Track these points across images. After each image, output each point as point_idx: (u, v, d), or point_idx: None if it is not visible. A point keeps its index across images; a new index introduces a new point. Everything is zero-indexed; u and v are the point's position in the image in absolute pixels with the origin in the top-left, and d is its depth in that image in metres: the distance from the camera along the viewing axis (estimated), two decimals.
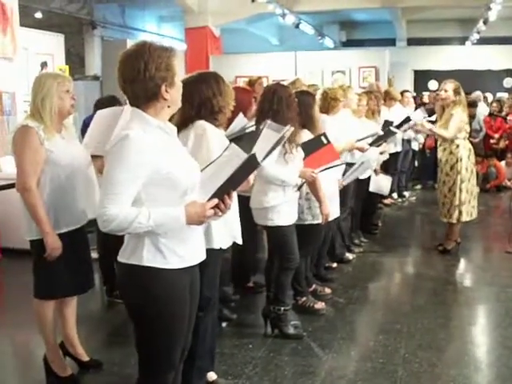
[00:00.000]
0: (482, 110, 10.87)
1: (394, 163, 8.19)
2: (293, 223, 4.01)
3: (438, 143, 6.18)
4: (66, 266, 3.25)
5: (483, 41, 15.30)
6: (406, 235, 7.27)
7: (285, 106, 3.85)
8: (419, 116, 7.04)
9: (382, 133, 6.04)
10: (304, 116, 4.16)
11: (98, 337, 4.29)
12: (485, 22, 13.20)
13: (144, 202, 2.19)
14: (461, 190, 5.91)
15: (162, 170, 2.18)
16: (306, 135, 4.19)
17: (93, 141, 3.54)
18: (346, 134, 5.43)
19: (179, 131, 2.66)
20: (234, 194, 2.42)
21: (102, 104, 4.72)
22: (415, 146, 9.54)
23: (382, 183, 6.38)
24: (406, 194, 9.47)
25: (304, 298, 4.55)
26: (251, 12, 12.89)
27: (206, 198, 2.26)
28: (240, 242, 3.31)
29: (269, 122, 3.29)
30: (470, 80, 11.14)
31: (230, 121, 3.49)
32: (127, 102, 2.32)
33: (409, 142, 9.04)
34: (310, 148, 4.07)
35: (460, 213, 5.95)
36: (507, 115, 10.84)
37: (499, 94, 14.11)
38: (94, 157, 3.49)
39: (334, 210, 4.67)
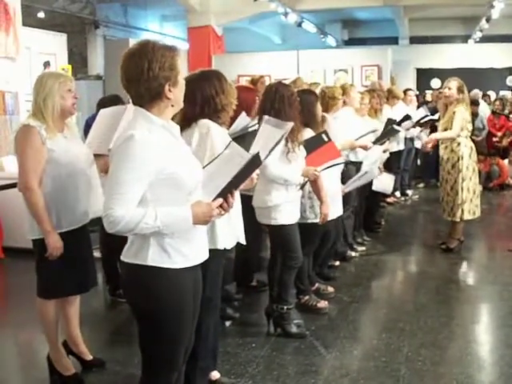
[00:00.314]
0: (483, 108, 10.84)
1: (396, 162, 8.18)
2: (295, 222, 4.01)
3: (440, 141, 6.17)
4: (69, 265, 3.25)
5: (486, 39, 15.27)
6: (409, 234, 7.27)
7: (287, 104, 3.84)
8: (422, 114, 7.04)
9: (379, 129, 6.03)
10: (306, 115, 4.16)
11: (101, 336, 4.30)
12: (487, 20, 13.17)
13: (149, 202, 2.19)
14: (462, 189, 5.90)
15: (166, 170, 2.18)
16: (308, 134, 4.19)
17: (95, 140, 3.54)
18: (348, 132, 5.44)
19: (182, 130, 2.66)
20: (237, 193, 2.42)
21: (105, 103, 4.72)
22: (418, 144, 9.52)
23: (384, 182, 6.37)
24: (409, 192, 9.47)
25: (307, 297, 4.55)
26: (253, 11, 12.88)
27: (207, 196, 2.26)
28: (243, 242, 3.31)
29: (267, 117, 3.29)
30: (472, 78, 11.11)
31: (233, 119, 3.49)
32: (130, 101, 2.33)
33: (412, 140, 9.03)
34: (311, 146, 4.07)
35: (462, 211, 5.95)
36: (510, 113, 10.82)
37: (502, 92, 14.08)
38: (96, 155, 3.49)
39: (336, 209, 4.67)
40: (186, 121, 3.00)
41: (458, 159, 5.89)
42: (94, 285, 3.56)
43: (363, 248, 6.29)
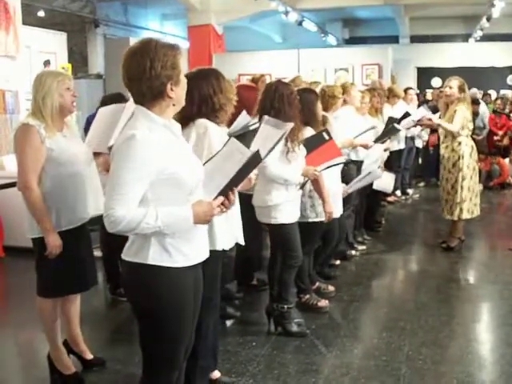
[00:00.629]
0: (482, 108, 10.82)
1: (397, 160, 8.17)
2: (296, 221, 4.01)
3: (441, 140, 6.17)
4: (69, 263, 3.25)
5: (486, 38, 15.25)
6: (410, 232, 7.27)
7: (286, 103, 3.83)
8: (422, 113, 7.03)
9: (378, 127, 6.03)
10: (307, 113, 4.15)
11: (101, 335, 4.30)
12: (488, 19, 13.16)
13: (150, 202, 2.18)
14: (462, 188, 5.90)
15: (167, 170, 2.17)
16: (308, 133, 4.18)
17: (95, 138, 3.53)
18: (349, 131, 5.43)
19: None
20: (236, 193, 2.41)
21: (108, 101, 4.70)
22: (419, 143, 9.53)
23: (385, 181, 6.36)
24: (410, 191, 9.46)
25: (307, 296, 4.55)
26: (254, 10, 12.88)
27: (208, 193, 2.26)
28: (242, 242, 3.30)
29: (267, 117, 3.28)
30: (473, 77, 11.09)
31: (234, 118, 3.48)
32: (131, 98, 2.32)
33: (412, 139, 9.03)
34: (311, 144, 4.06)
35: (461, 210, 5.95)
36: (510, 112, 10.81)
37: (502, 91, 14.07)
38: (95, 153, 3.49)
39: (337, 208, 4.67)
40: (183, 120, 2.98)
41: (459, 158, 5.89)
42: (93, 284, 3.56)
43: (364, 247, 6.28)
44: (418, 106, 8.76)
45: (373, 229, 6.96)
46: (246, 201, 3.69)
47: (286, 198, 3.90)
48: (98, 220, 3.89)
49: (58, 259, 3.20)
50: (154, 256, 2.23)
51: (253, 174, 2.66)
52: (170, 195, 2.21)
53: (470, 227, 6.68)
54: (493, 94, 13.72)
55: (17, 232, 5.39)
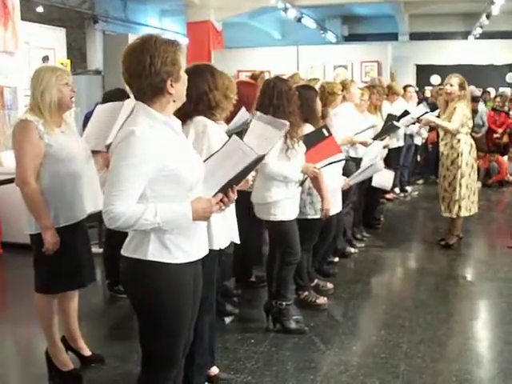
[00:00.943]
0: (480, 106, 10.81)
1: (396, 158, 8.17)
2: (294, 218, 4.00)
3: (440, 138, 6.16)
4: (67, 260, 3.24)
5: (486, 35, 15.23)
6: (408, 230, 7.27)
7: (285, 99, 3.81)
8: (422, 111, 7.03)
9: (378, 125, 6.02)
10: (306, 110, 4.14)
11: (99, 331, 4.29)
12: (488, 17, 13.15)
13: (149, 198, 2.18)
14: (460, 185, 5.90)
15: (167, 166, 2.17)
16: (308, 129, 4.17)
17: (92, 135, 3.52)
18: (348, 128, 5.43)
19: None
20: (235, 191, 2.41)
21: (109, 97, 4.68)
22: (418, 140, 9.52)
23: (384, 178, 6.36)
24: (409, 188, 9.47)
25: (306, 293, 4.55)
26: (253, 6, 12.86)
27: (208, 190, 2.26)
28: (238, 241, 3.30)
29: (259, 113, 3.27)
30: (472, 75, 11.07)
31: (234, 114, 3.47)
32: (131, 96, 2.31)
33: (411, 136, 9.03)
34: (311, 141, 4.05)
35: (459, 208, 5.95)
36: (510, 110, 10.80)
37: (502, 89, 14.05)
38: (93, 151, 3.47)
39: (336, 205, 4.66)
40: (180, 117, 2.96)
41: (458, 155, 5.89)
42: (91, 280, 3.55)
43: (362, 244, 6.29)
44: (418, 103, 8.76)
45: (371, 226, 6.96)
46: (245, 198, 3.68)
47: (285, 195, 3.89)
48: (95, 217, 3.89)
49: (56, 256, 3.19)
50: (154, 252, 2.23)
51: (250, 176, 2.66)
52: (169, 192, 2.21)
53: (469, 225, 6.69)
54: (492, 91, 13.70)
55: (15, 228, 5.38)
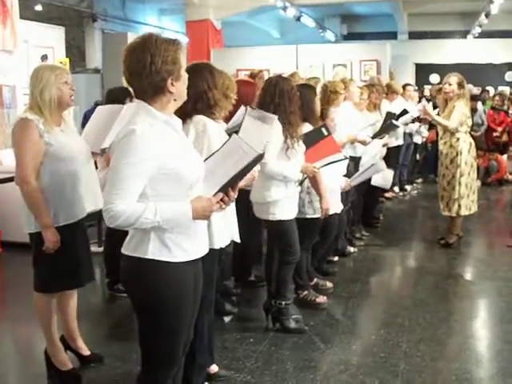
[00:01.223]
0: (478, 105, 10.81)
1: (395, 157, 8.17)
2: (293, 217, 4.00)
3: (440, 136, 6.16)
4: (66, 259, 3.24)
5: (485, 34, 15.25)
6: (408, 229, 7.27)
7: (287, 98, 3.81)
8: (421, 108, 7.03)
9: (375, 122, 6.01)
10: (306, 109, 4.13)
11: (99, 331, 4.29)
12: (487, 16, 13.15)
13: (149, 197, 2.18)
14: (460, 184, 5.90)
15: (167, 165, 2.17)
16: (307, 129, 4.17)
17: (91, 135, 3.52)
18: (347, 126, 5.42)
19: None
20: (236, 190, 2.40)
21: (112, 95, 4.68)
22: (417, 139, 9.52)
23: (383, 177, 6.36)
24: (408, 187, 9.47)
25: (305, 292, 4.54)
26: (252, 5, 12.84)
27: (208, 189, 2.26)
28: (238, 240, 3.30)
29: (249, 108, 3.26)
30: (471, 74, 11.08)
31: (233, 113, 3.46)
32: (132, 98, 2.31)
33: (410, 135, 9.02)
34: (310, 140, 4.04)
35: (459, 206, 5.95)
36: (508, 108, 10.80)
37: (500, 88, 14.05)
38: (91, 153, 3.47)
39: (335, 204, 4.66)
40: (180, 116, 2.95)
41: (457, 154, 5.88)
42: (91, 279, 3.55)
43: (362, 243, 6.28)
44: (419, 102, 8.75)
45: (371, 225, 6.96)
46: (245, 197, 3.67)
47: (284, 195, 3.88)
48: (95, 215, 3.88)
49: (56, 254, 3.18)
50: (154, 250, 2.23)
51: (256, 170, 2.65)
52: (170, 191, 2.21)
53: (468, 224, 6.69)
54: (491, 90, 13.70)
55: (14, 227, 5.36)
